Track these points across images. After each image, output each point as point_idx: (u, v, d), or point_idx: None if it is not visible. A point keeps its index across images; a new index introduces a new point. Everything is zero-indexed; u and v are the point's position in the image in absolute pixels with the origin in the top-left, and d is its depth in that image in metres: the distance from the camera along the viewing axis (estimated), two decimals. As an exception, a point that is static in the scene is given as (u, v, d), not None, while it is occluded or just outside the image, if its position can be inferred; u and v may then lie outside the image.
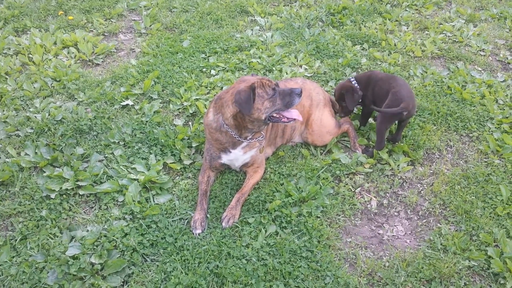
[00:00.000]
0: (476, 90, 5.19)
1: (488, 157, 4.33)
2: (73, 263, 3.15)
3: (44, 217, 3.55)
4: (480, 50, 6.16)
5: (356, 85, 4.39)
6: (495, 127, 4.66)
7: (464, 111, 4.83)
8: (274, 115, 3.66)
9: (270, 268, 3.20)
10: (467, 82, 5.38)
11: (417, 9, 7.25)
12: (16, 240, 3.38)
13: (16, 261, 3.23)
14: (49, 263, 3.18)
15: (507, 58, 6.00)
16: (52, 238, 3.40)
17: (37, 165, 4.03)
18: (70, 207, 3.70)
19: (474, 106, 4.93)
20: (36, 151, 4.15)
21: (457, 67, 5.69)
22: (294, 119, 3.71)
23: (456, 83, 5.29)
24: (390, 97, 4.06)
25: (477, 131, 4.63)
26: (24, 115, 4.64)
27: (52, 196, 3.71)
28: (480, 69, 5.75)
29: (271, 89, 3.54)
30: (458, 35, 6.43)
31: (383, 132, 4.15)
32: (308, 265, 3.26)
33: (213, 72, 5.49)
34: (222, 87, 5.14)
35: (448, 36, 6.48)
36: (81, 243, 3.32)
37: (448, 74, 5.58)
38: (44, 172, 3.94)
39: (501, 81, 5.46)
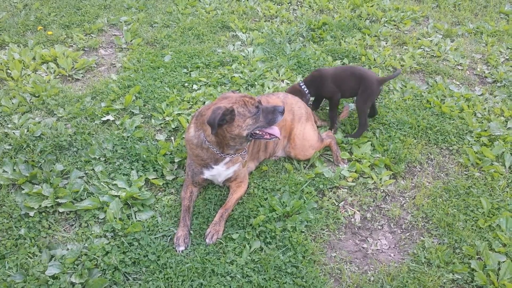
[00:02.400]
0: (455, 104, 5.28)
1: (468, 170, 4.39)
2: (53, 283, 3.08)
3: (22, 235, 3.46)
4: (458, 65, 6.29)
5: (305, 89, 4.79)
6: (474, 140, 4.74)
7: (444, 124, 4.90)
8: (257, 132, 3.65)
9: (255, 285, 3.17)
10: (446, 96, 5.47)
11: (395, 25, 7.38)
12: (-6, 260, 3.29)
13: (-7, 282, 3.14)
14: (28, 283, 3.09)
15: (484, 72, 6.13)
16: (31, 257, 3.31)
17: (16, 182, 3.93)
18: (49, 225, 3.61)
19: (453, 120, 5.01)
20: (15, 168, 4.06)
21: (436, 81, 5.79)
22: (277, 137, 3.71)
23: (435, 97, 5.37)
24: (367, 85, 4.53)
25: (456, 144, 4.70)
26: (2, 131, 4.54)
27: (31, 214, 3.63)
28: (458, 83, 5.86)
29: (254, 107, 3.53)
30: (436, 50, 6.56)
31: (366, 112, 4.62)
32: (293, 281, 3.23)
33: (195, 87, 5.48)
34: (204, 102, 5.13)
35: (426, 51, 6.60)
36: (61, 262, 3.24)
37: (427, 88, 5.67)
38: (23, 189, 3.85)
39: (478, 95, 5.57)
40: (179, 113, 4.93)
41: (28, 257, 3.32)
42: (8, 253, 3.35)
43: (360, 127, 4.66)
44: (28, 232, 3.50)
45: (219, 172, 3.83)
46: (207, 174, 3.84)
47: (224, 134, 3.55)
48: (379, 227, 3.83)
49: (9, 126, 4.66)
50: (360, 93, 4.58)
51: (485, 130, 4.84)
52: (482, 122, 5.01)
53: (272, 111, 3.60)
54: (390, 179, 4.24)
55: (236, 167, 3.86)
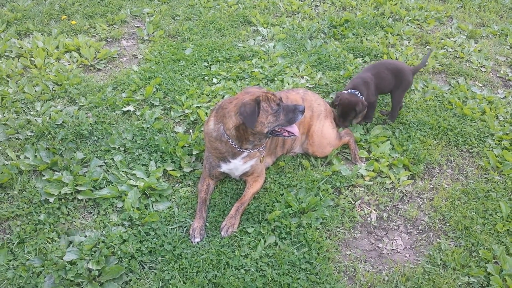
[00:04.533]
0: (477, 106, 5.21)
1: (488, 173, 4.33)
2: (71, 268, 3.13)
3: (42, 221, 3.53)
4: (481, 66, 6.20)
5: (359, 95, 4.54)
6: (496, 143, 4.68)
7: (465, 126, 4.84)
8: (276, 129, 3.66)
9: (268, 279, 3.18)
10: (468, 97, 5.40)
11: (418, 24, 7.30)
12: (14, 243, 3.36)
13: (13, 264, 3.20)
14: (46, 267, 3.15)
15: (507, 75, 6.03)
16: (49, 243, 3.38)
17: (37, 169, 4.01)
18: (68, 212, 3.67)
19: (474, 122, 4.95)
20: (36, 154, 4.13)
21: (458, 83, 5.72)
22: (295, 135, 3.71)
23: (457, 99, 5.31)
24: (404, 77, 4.67)
25: (477, 146, 4.64)
26: (25, 118, 4.62)
27: (51, 200, 3.69)
28: (480, 85, 5.77)
29: (276, 104, 3.54)
30: (459, 51, 6.47)
31: (401, 103, 4.84)
32: (307, 277, 3.24)
33: (215, 80, 5.49)
34: (223, 96, 5.15)
35: (449, 51, 6.51)
36: (79, 249, 3.29)
37: (449, 89, 5.60)
38: (43, 175, 3.92)
39: (501, 98, 5.49)
40: (198, 106, 4.95)
41: (47, 242, 3.39)
42: (28, 238, 3.42)
43: (393, 113, 4.85)
44: (47, 218, 3.57)
45: (236, 166, 3.85)
46: (224, 167, 3.86)
47: (245, 129, 3.56)
48: (395, 227, 3.81)
49: (31, 113, 4.74)
50: (398, 86, 4.70)
51: (507, 134, 4.78)
52: (504, 125, 4.94)
53: (293, 110, 3.60)
54: (408, 179, 4.21)
55: (253, 162, 3.87)
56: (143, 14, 7.14)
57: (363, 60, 6.09)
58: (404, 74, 4.66)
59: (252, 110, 3.39)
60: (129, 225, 3.56)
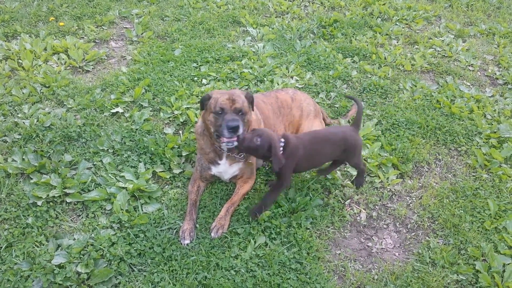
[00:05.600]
0: (465, 105, 5.25)
1: (476, 171, 4.36)
2: (59, 272, 3.10)
3: (30, 224, 3.50)
4: (469, 65, 6.25)
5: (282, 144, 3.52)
6: (483, 142, 4.71)
7: (453, 125, 4.87)
8: (218, 134, 3.54)
9: (259, 280, 3.18)
10: (456, 96, 5.44)
11: (407, 24, 7.34)
12: (1, 247, 3.32)
13: (0, 268, 3.17)
14: (35, 271, 3.12)
15: (495, 74, 6.09)
16: (38, 246, 3.35)
17: (24, 172, 3.97)
18: (57, 215, 3.64)
19: (462, 121, 4.98)
20: (24, 157, 4.09)
21: (446, 82, 5.76)
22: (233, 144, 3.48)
23: (445, 97, 5.34)
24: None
25: (465, 145, 4.67)
26: (12, 121, 4.58)
27: (39, 203, 3.66)
28: (468, 84, 5.82)
29: (219, 108, 3.46)
30: (447, 50, 6.51)
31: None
32: (297, 277, 3.24)
33: (204, 81, 5.49)
34: (213, 97, 5.14)
35: (438, 50, 6.56)
36: (67, 252, 3.27)
37: (437, 88, 5.63)
38: (31, 178, 3.89)
39: (489, 96, 5.53)
40: (187, 107, 4.94)
41: (35, 246, 3.36)
42: (16, 242, 3.38)
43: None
44: (35, 221, 3.54)
45: (225, 169, 3.85)
46: (214, 170, 3.86)
47: (205, 121, 3.67)
48: (385, 226, 3.82)
49: (19, 115, 4.70)
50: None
51: (495, 132, 4.81)
52: (492, 124, 4.98)
53: (223, 123, 3.41)
54: (397, 178, 4.23)
55: (241, 165, 3.87)
56: (132, 15, 7.11)
57: (352, 60, 6.11)
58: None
59: (204, 97, 3.59)
60: (118, 227, 3.54)
